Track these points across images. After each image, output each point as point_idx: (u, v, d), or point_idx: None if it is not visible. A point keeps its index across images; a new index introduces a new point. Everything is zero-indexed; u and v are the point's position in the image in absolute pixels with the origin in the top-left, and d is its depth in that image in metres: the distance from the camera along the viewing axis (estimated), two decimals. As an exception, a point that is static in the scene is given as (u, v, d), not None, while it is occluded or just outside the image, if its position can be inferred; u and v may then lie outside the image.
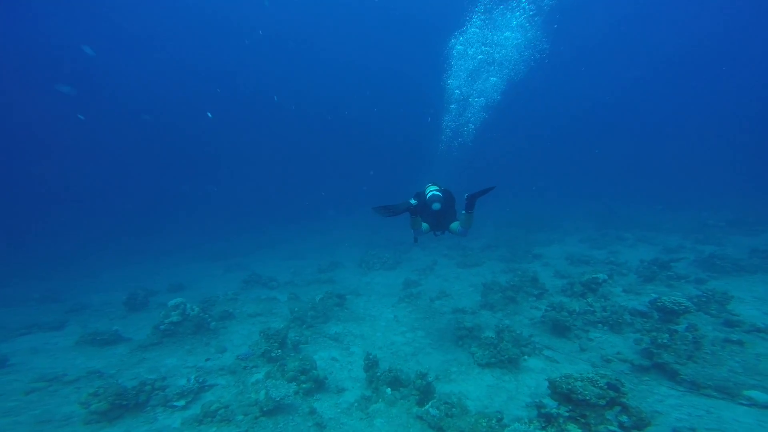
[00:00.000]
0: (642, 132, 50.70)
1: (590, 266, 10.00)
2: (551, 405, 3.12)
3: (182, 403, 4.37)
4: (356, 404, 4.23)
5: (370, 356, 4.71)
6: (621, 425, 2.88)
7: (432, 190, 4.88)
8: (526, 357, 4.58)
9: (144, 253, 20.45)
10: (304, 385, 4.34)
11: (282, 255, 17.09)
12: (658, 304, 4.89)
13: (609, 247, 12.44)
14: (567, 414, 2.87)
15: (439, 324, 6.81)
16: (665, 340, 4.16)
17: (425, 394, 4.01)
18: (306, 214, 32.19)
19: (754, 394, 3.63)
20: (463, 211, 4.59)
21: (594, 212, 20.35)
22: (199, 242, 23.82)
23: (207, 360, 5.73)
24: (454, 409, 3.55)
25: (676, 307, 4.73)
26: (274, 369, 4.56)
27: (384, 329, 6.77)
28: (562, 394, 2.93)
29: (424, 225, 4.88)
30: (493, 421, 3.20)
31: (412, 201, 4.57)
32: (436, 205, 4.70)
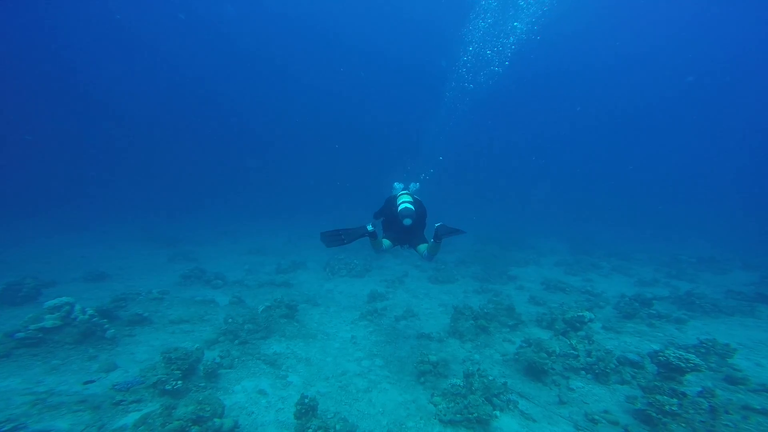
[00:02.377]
0: (625, 160, 52.66)
1: (566, 294, 9.48)
2: None
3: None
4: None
5: (306, 399, 3.66)
6: None
7: (405, 202, 4.37)
8: (497, 413, 3.71)
9: (74, 228, 18.05)
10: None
11: (242, 248, 15.58)
12: (661, 358, 4.19)
13: (584, 275, 12.10)
14: None
15: (401, 351, 5.87)
16: (674, 407, 3.43)
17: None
18: (284, 206, 30.47)
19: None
20: (431, 240, 4.23)
21: (569, 235, 20.39)
22: (154, 221, 21.68)
23: (86, 383, 4.37)
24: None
25: (683, 364, 4.04)
26: (157, 412, 3.31)
27: (337, 353, 5.73)
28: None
29: (385, 242, 4.45)
30: None
31: (369, 227, 4.15)
32: (408, 221, 4.26)
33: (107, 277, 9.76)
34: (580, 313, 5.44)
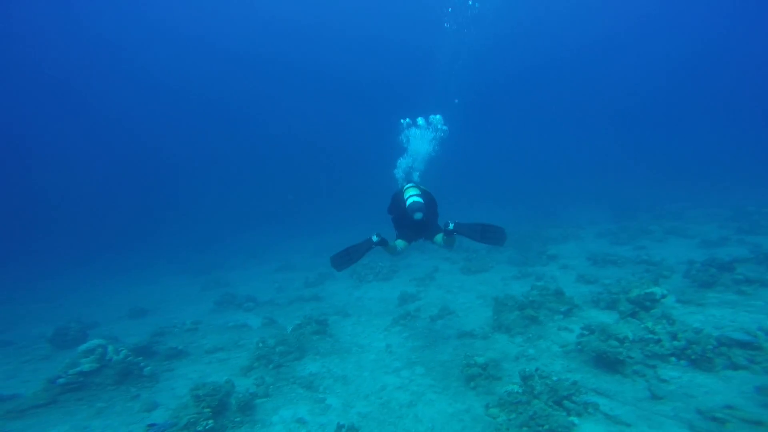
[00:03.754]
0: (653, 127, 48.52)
1: (619, 267, 8.47)
2: None
3: None
4: None
5: (343, 428, 3.21)
6: None
7: (412, 196, 4.21)
8: (574, 419, 3.06)
9: (123, 270, 18.99)
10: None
11: (270, 267, 15.59)
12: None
13: (634, 242, 10.89)
14: None
15: (443, 354, 5.31)
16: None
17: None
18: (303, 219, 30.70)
19: None
20: (443, 235, 4.18)
21: (607, 201, 18.79)
22: (187, 254, 22.42)
23: (149, 427, 4.13)
24: None
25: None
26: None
27: (373, 366, 5.27)
28: None
29: (399, 243, 4.33)
30: None
31: (374, 237, 4.06)
32: (418, 215, 4.09)
33: (148, 312, 9.96)
34: (649, 290, 4.61)
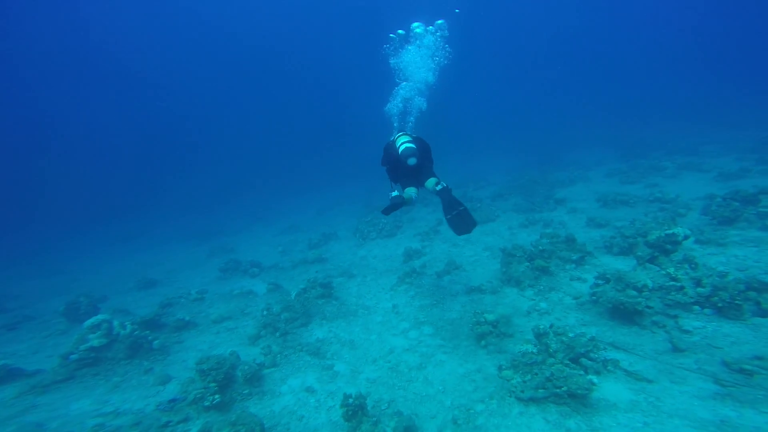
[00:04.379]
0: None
1: (632, 207, 8.11)
2: None
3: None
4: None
5: (350, 399, 3.11)
6: None
7: (404, 143, 4.25)
8: (593, 378, 2.92)
9: (127, 237, 19.04)
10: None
11: (275, 229, 15.43)
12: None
13: (645, 180, 10.40)
14: None
15: (451, 313, 5.20)
16: None
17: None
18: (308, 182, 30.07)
19: None
20: (434, 185, 4.31)
21: (614, 140, 17.84)
22: (193, 218, 22.29)
23: (170, 402, 4.13)
24: None
25: None
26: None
27: (380, 328, 5.20)
28: None
29: (409, 191, 4.30)
30: None
31: (393, 193, 4.19)
32: (412, 161, 4.17)
33: (156, 282, 10.00)
34: (670, 231, 4.25)
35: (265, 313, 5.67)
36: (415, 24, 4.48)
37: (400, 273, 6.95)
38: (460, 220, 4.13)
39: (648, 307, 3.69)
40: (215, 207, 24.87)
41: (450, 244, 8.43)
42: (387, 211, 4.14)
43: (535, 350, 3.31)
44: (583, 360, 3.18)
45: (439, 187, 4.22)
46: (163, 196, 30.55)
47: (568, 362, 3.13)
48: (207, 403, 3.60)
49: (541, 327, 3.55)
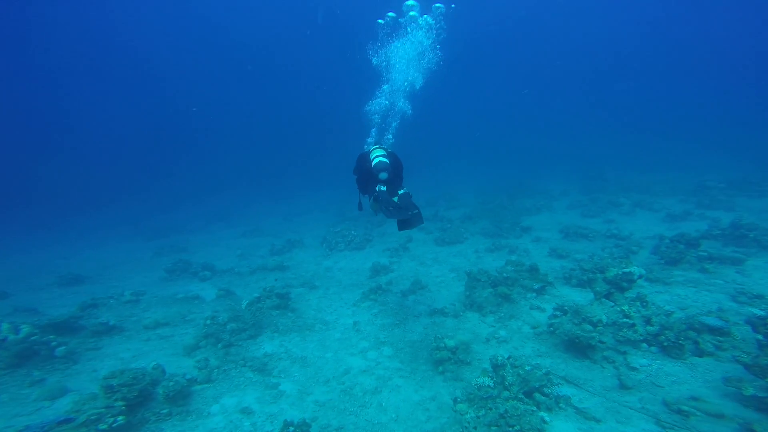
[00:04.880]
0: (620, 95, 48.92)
1: (590, 241, 8.52)
2: None
3: None
4: None
5: (291, 427, 2.81)
6: None
7: (378, 156, 4.25)
8: (545, 416, 2.86)
9: (56, 226, 17.17)
10: None
11: (236, 232, 14.62)
12: None
13: (604, 215, 11.06)
14: None
15: (413, 334, 5.04)
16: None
17: None
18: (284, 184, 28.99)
19: None
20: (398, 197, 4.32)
21: (577, 174, 19.05)
22: (147, 217, 20.63)
23: (61, 422, 3.43)
24: None
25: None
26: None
27: (338, 345, 4.92)
28: None
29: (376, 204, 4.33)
30: None
31: (382, 187, 4.26)
32: (383, 175, 4.19)
33: (84, 279, 8.94)
34: (627, 269, 4.45)
35: (209, 321, 5.17)
36: (410, 2, 4.02)
37: (365, 288, 6.72)
38: (414, 220, 4.28)
39: (601, 341, 3.75)
40: (176, 205, 23.29)
41: (418, 263, 8.36)
42: (401, 227, 4.36)
43: (491, 383, 3.21)
44: (537, 395, 3.12)
45: (401, 191, 4.35)
46: (118, 190, 28.26)
47: (522, 396, 3.06)
48: (104, 426, 3.08)
49: (499, 358, 3.47)
